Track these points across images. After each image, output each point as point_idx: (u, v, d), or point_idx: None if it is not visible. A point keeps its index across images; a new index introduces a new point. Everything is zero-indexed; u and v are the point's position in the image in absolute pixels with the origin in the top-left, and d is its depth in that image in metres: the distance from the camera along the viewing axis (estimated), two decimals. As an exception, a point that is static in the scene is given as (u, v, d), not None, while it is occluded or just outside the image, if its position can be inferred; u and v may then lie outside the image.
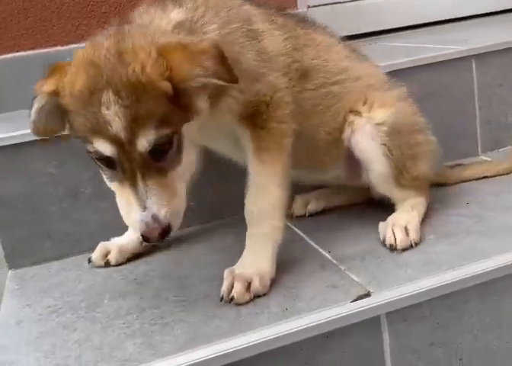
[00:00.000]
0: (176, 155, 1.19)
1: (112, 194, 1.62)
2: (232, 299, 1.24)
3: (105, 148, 1.14)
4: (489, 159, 1.93)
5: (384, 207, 1.54)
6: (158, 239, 1.16)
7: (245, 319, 1.19)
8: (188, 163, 1.26)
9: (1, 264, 1.62)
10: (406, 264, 1.33)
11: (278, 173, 1.33)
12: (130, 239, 1.55)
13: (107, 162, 1.18)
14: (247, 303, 1.24)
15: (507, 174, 1.77)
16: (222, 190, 1.71)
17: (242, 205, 1.34)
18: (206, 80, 1.15)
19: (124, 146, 1.13)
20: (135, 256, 1.55)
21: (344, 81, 1.50)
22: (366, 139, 1.47)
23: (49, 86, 1.19)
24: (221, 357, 1.12)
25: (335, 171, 1.58)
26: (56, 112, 1.20)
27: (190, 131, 1.22)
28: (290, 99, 1.36)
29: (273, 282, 1.30)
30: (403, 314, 1.22)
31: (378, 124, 1.47)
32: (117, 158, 1.15)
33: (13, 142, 1.57)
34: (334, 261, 1.38)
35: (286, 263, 1.37)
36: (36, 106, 1.21)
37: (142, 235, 1.17)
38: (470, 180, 1.76)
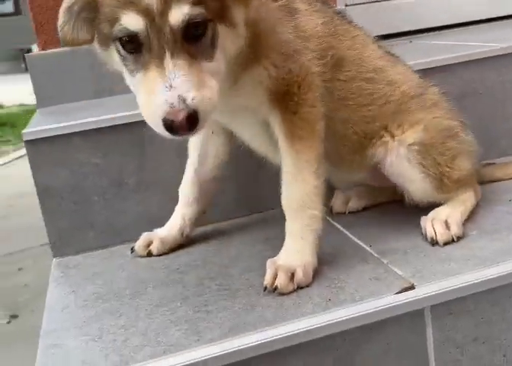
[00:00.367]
0: (210, 47, 1.11)
1: (155, 186, 1.66)
2: (275, 289, 1.24)
3: (134, 21, 1.06)
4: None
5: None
6: (183, 127, 1.04)
7: (288, 309, 1.20)
8: (220, 68, 1.15)
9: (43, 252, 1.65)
10: (449, 258, 1.32)
11: (312, 161, 1.31)
12: (172, 229, 1.56)
13: (134, 45, 1.09)
14: (290, 293, 1.25)
15: None
16: (261, 182, 1.72)
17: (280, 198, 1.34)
18: None
19: (155, 18, 1.05)
20: (176, 247, 1.57)
21: (377, 82, 1.47)
22: (402, 162, 1.44)
23: None
24: (264, 345, 1.13)
25: (362, 175, 1.57)
26: (86, 15, 1.14)
27: (224, 43, 1.14)
28: (320, 83, 1.33)
29: (316, 273, 1.30)
30: (448, 307, 1.21)
31: (410, 145, 1.44)
32: (145, 33, 1.06)
33: (59, 133, 1.60)
34: (376, 255, 1.38)
35: (327, 255, 1.38)
36: (64, 5, 1.15)
37: (164, 122, 1.05)
38: (504, 179, 1.73)
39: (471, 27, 2.65)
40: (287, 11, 1.31)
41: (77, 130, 1.59)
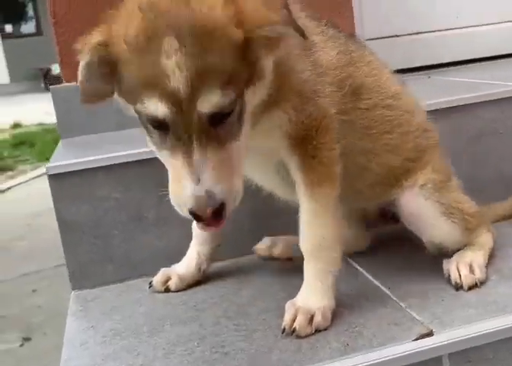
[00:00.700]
0: (236, 125, 1.07)
1: (173, 221, 1.67)
2: (293, 331, 1.24)
3: (159, 107, 1.00)
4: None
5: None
6: (209, 220, 1.05)
7: (306, 353, 1.20)
8: (246, 143, 1.12)
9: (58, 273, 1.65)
10: (468, 304, 1.32)
11: (330, 204, 1.30)
12: (189, 266, 1.57)
13: (159, 124, 1.05)
14: (308, 336, 1.25)
15: None
16: (282, 220, 1.73)
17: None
18: (283, 29, 1.02)
19: (182, 105, 0.99)
20: (194, 283, 1.58)
21: (397, 108, 1.44)
22: (419, 200, 1.42)
23: (96, 37, 1.06)
24: (282, 390, 1.13)
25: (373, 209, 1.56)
26: (105, 69, 1.07)
27: (250, 105, 1.10)
28: (336, 125, 1.30)
29: (334, 316, 1.30)
30: (466, 355, 1.21)
31: (422, 185, 1.43)
32: (172, 120, 1.01)
33: (81, 168, 1.63)
34: (395, 298, 1.38)
35: (345, 297, 1.38)
36: (83, 61, 1.08)
37: (191, 213, 1.05)
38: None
39: (490, 62, 2.67)
40: (304, 46, 1.26)
41: (100, 164, 1.61)
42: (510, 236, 1.64)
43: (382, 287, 1.44)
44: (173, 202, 1.10)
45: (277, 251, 1.59)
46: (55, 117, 2.07)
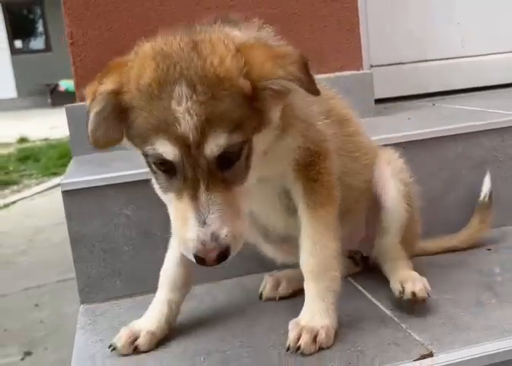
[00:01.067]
0: (243, 168, 1.10)
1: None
2: (298, 349, 1.27)
3: (168, 150, 1.03)
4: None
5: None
6: (213, 263, 1.06)
7: (309, 372, 1.24)
8: (251, 186, 1.15)
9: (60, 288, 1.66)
10: (468, 327, 1.35)
11: (332, 225, 1.35)
12: (160, 319, 1.41)
13: (166, 167, 1.08)
14: (312, 354, 1.28)
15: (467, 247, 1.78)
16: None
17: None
18: (287, 83, 1.07)
19: (190, 149, 1.03)
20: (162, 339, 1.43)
21: (365, 137, 1.58)
22: (386, 175, 1.53)
23: (108, 85, 1.08)
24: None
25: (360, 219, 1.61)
26: (115, 116, 1.10)
27: (258, 148, 1.13)
28: (334, 147, 1.38)
29: (336, 335, 1.33)
30: (465, 377, 1.24)
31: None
32: (180, 163, 1.05)
33: (94, 185, 1.68)
34: (395, 319, 1.42)
35: (347, 317, 1.42)
36: (94, 110, 1.10)
37: (195, 256, 1.06)
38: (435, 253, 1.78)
39: (492, 91, 2.73)
40: None
41: (112, 182, 1.66)
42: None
43: (383, 308, 1.48)
44: (177, 242, 1.13)
45: (283, 290, 1.60)
46: (60, 133, 2.12)
